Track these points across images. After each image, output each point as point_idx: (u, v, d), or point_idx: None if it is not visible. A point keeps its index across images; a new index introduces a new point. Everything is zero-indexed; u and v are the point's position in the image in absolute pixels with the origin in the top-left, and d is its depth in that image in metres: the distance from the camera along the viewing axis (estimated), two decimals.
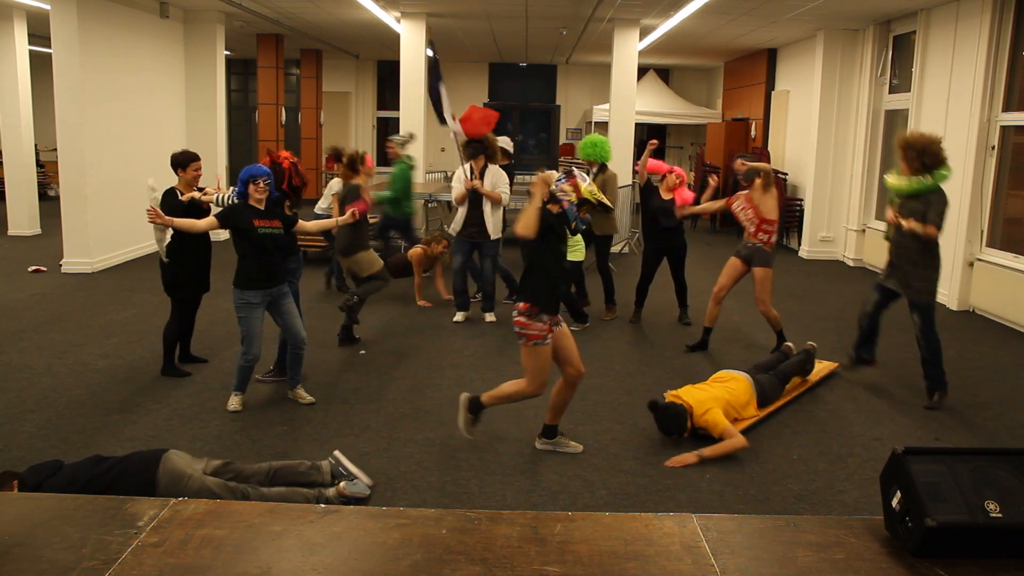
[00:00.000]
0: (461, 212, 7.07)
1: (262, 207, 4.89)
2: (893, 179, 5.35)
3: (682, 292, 7.45)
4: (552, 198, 4.17)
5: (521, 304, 4.14)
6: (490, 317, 7.37)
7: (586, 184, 4.18)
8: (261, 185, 4.84)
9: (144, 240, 9.76)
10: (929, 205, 5.07)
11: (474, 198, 6.96)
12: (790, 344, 5.93)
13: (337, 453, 4.05)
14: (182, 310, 5.68)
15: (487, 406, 4.43)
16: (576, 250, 6.78)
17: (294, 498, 3.70)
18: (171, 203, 5.39)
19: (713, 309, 6.58)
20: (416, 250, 8.06)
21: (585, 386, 5.68)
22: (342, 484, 3.84)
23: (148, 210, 4.87)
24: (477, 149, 6.90)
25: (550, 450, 4.53)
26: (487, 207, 6.96)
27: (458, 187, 7.07)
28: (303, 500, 3.70)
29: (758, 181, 6.33)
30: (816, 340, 6.76)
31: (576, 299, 7.24)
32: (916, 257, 5.20)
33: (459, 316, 7.39)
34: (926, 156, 5.07)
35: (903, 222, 5.10)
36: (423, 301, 7.95)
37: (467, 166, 6.96)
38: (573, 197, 4.15)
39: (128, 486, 3.42)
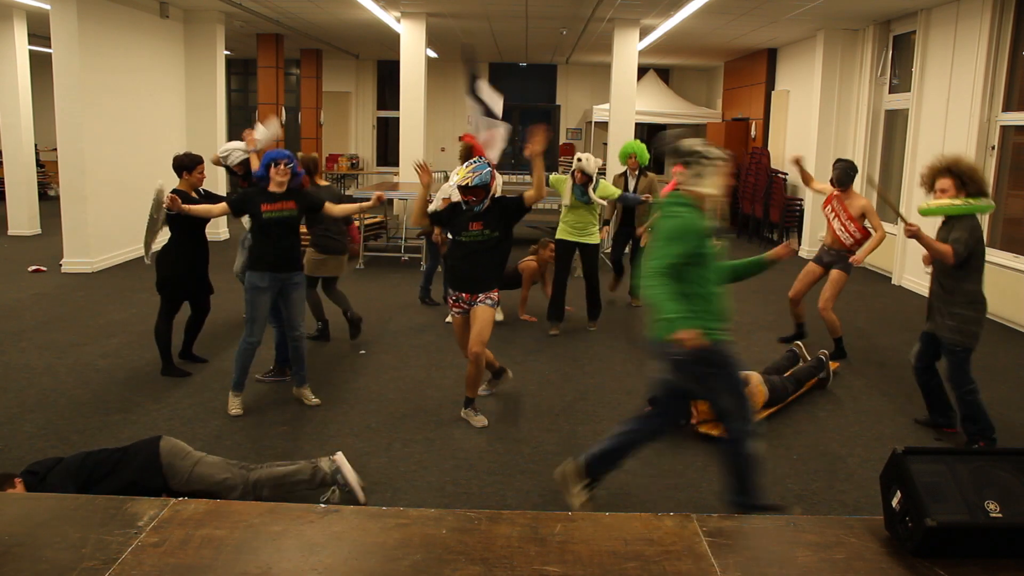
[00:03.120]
0: None
1: (283, 190, 4.86)
2: (924, 204, 4.61)
3: None
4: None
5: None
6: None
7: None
8: (282, 167, 4.81)
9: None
10: (953, 229, 4.45)
11: None
12: (800, 344, 5.85)
13: (340, 456, 4.04)
14: (170, 309, 5.64)
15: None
16: (596, 232, 6.94)
17: (288, 480, 3.71)
18: (187, 201, 5.40)
19: (794, 309, 6.65)
20: (530, 262, 7.43)
21: (585, 386, 5.69)
22: (337, 460, 3.82)
23: (168, 195, 4.86)
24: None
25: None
26: None
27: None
28: (298, 478, 3.72)
29: (853, 193, 6.20)
30: (816, 340, 6.76)
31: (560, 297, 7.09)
32: (947, 296, 4.54)
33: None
34: (967, 181, 4.42)
35: (908, 224, 4.45)
36: (527, 315, 7.44)
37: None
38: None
39: (133, 466, 3.51)
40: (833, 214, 6.28)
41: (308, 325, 5.55)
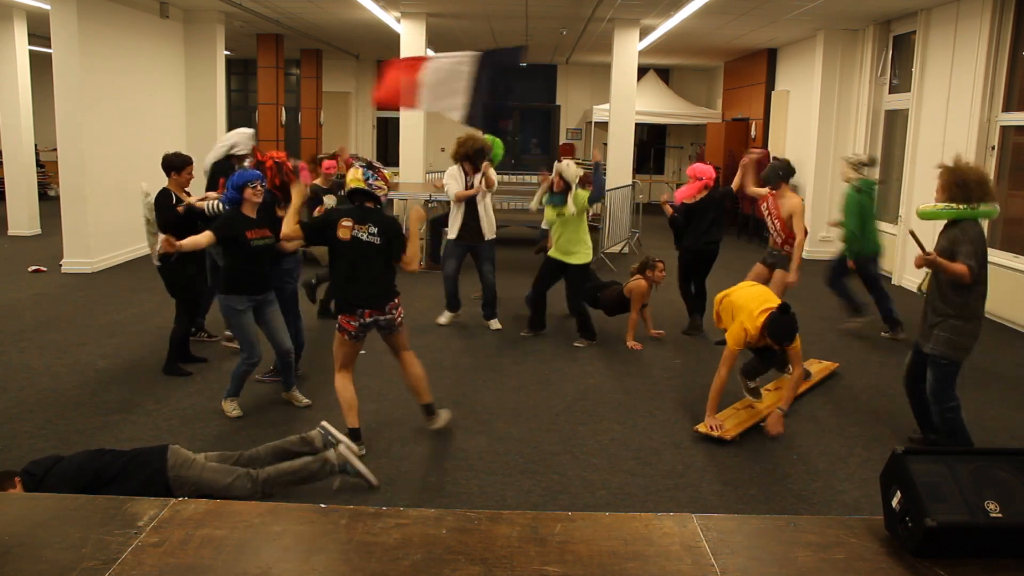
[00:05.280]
0: (458, 216, 6.89)
1: (253, 214, 4.83)
2: (923, 206, 4.56)
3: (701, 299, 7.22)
4: (367, 196, 4.41)
5: (396, 299, 4.46)
6: (495, 325, 7.12)
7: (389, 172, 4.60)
8: (258, 188, 4.79)
9: (144, 240, 9.77)
10: (958, 241, 4.19)
11: (470, 203, 6.86)
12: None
13: (325, 423, 4.11)
14: (187, 310, 5.67)
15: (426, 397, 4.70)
16: (584, 252, 6.53)
17: (299, 476, 3.81)
18: (167, 206, 5.40)
19: None
20: (640, 282, 6.65)
21: (585, 386, 5.69)
22: (341, 447, 3.92)
23: (162, 239, 4.85)
24: (478, 161, 6.80)
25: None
26: (482, 209, 6.88)
27: (452, 184, 6.89)
28: (305, 470, 3.82)
29: (784, 186, 6.26)
30: (816, 340, 6.78)
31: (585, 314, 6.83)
32: (951, 307, 4.27)
33: (446, 318, 7.17)
34: (965, 185, 4.22)
35: (925, 252, 4.14)
36: (634, 343, 6.67)
37: (456, 168, 6.91)
38: (386, 188, 4.49)
39: (139, 478, 3.53)
40: (768, 214, 6.33)
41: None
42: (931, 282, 4.41)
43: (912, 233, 4.28)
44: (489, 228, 6.94)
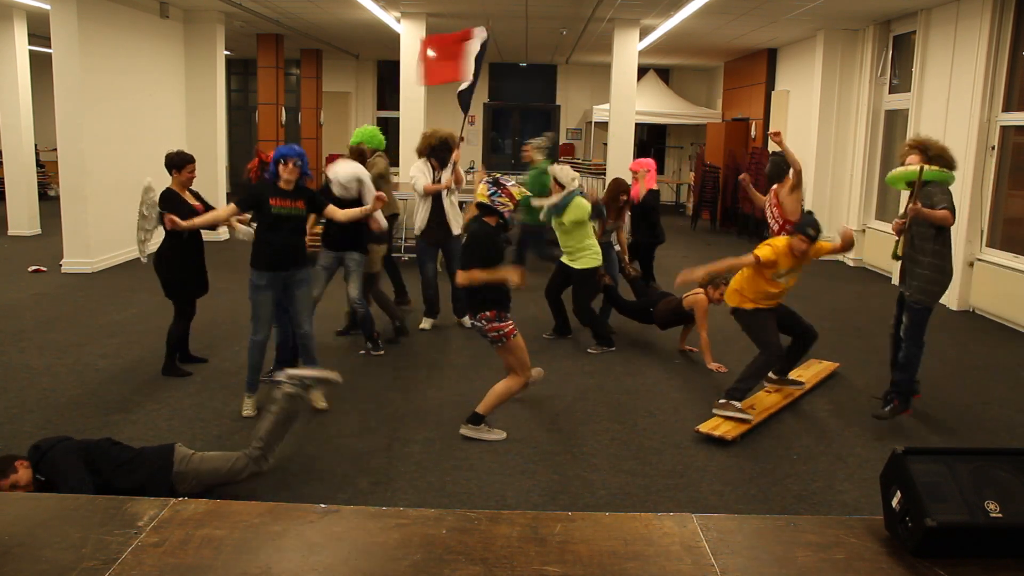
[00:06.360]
0: (424, 212, 6.83)
1: (290, 188, 4.80)
2: (896, 171, 5.00)
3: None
4: (489, 211, 4.63)
5: (489, 312, 4.52)
6: (468, 322, 6.87)
7: (518, 189, 4.68)
8: (291, 166, 4.75)
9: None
10: (932, 196, 4.69)
11: (436, 199, 6.82)
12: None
13: (289, 370, 4.22)
14: (184, 311, 5.67)
15: (487, 414, 4.72)
16: (590, 256, 6.47)
17: (278, 422, 3.97)
18: (172, 203, 5.39)
19: None
20: (702, 296, 6.23)
21: (585, 386, 5.69)
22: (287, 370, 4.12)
23: (168, 217, 4.95)
24: (443, 155, 6.80)
25: (473, 438, 4.70)
26: (447, 205, 6.83)
27: (420, 178, 6.83)
28: (284, 414, 3.99)
29: (787, 179, 6.26)
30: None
31: (602, 320, 6.78)
32: (923, 257, 4.85)
33: (426, 323, 7.08)
34: (943, 155, 4.84)
35: (915, 206, 4.67)
36: (717, 364, 6.18)
37: (422, 162, 6.87)
38: (511, 205, 4.65)
39: (145, 471, 3.65)
40: (772, 207, 6.33)
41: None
42: (906, 240, 4.93)
43: (915, 180, 4.74)
44: (456, 223, 6.90)
